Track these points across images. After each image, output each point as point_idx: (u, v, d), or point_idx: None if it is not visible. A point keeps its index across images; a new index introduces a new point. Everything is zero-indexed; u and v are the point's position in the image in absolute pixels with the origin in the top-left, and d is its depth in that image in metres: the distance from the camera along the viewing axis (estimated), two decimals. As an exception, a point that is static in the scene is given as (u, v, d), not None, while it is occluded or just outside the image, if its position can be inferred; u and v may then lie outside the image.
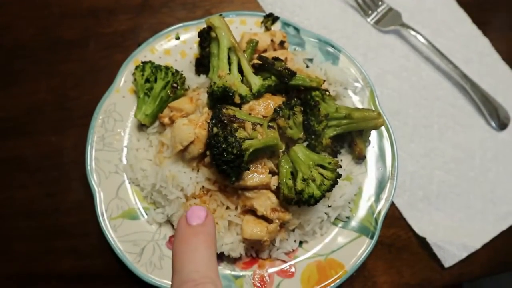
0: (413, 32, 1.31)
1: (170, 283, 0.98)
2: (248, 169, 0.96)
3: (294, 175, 0.98)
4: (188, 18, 1.30)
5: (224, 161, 0.91)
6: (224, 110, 0.95)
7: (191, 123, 0.99)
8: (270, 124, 0.98)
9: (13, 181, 1.16)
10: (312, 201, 0.95)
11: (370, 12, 1.34)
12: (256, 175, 0.98)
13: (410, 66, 1.31)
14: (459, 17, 1.39)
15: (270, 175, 1.00)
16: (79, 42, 1.28)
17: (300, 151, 0.98)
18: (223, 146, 0.90)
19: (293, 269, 1.04)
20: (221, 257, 1.05)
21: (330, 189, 0.97)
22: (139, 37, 1.28)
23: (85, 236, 1.12)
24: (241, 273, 1.03)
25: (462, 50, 1.34)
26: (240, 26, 1.21)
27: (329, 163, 0.98)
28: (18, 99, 1.22)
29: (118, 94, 1.13)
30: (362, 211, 1.09)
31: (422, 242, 1.15)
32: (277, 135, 0.97)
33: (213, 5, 1.32)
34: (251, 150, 0.93)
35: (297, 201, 0.96)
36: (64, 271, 1.10)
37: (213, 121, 0.93)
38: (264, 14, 1.22)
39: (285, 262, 1.05)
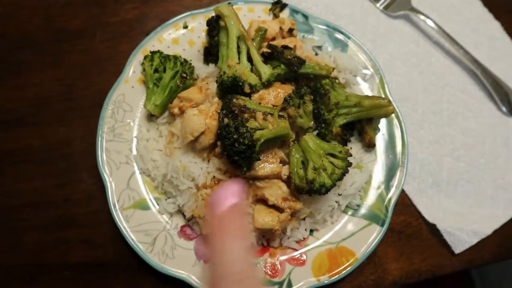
0: (422, 17, 1.29)
1: (183, 272, 1.01)
2: (259, 159, 0.96)
3: (305, 164, 0.98)
4: (195, 6, 1.29)
5: (235, 152, 0.91)
6: (234, 100, 0.95)
7: (201, 113, 0.99)
8: (280, 113, 0.97)
9: (21, 173, 1.16)
10: (323, 190, 0.95)
11: (379, -3, 1.33)
12: (267, 165, 0.98)
13: (420, 51, 1.30)
14: (469, 0, 1.37)
15: (281, 164, 1.00)
16: (84, 32, 1.27)
17: (310, 140, 0.98)
18: (235, 136, 0.90)
19: (304, 257, 1.05)
20: (233, 246, 1.05)
21: (341, 178, 0.97)
22: (146, 26, 1.26)
23: (95, 226, 1.12)
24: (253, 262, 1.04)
25: (472, 34, 1.33)
26: (248, 14, 1.19)
27: (340, 151, 0.98)
28: (24, 90, 1.22)
29: (127, 85, 1.12)
30: (372, 199, 1.10)
31: (432, 229, 1.15)
32: (287, 124, 0.97)
33: (219, -8, 1.31)
34: (262, 140, 0.92)
35: (308, 191, 0.96)
36: (75, 261, 1.10)
37: (224, 112, 0.93)
38: (272, 1, 1.21)
39: (296, 250, 1.05)
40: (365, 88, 1.17)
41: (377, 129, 1.13)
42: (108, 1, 1.29)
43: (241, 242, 0.61)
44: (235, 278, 0.57)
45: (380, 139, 1.14)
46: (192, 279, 1.01)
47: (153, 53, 1.11)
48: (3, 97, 1.21)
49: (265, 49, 1.05)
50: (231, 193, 0.62)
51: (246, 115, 0.93)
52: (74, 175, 1.15)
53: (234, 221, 0.61)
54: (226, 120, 0.92)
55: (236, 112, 0.92)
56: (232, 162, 0.93)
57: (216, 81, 1.06)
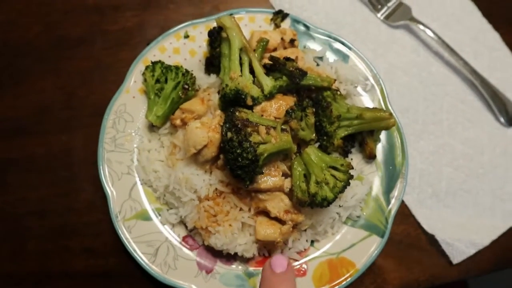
0: (422, 27, 1.29)
1: (185, 283, 1.01)
2: (262, 173, 0.97)
3: (307, 177, 0.99)
4: (196, 14, 1.28)
5: (239, 166, 0.91)
6: (237, 114, 0.95)
7: (204, 126, 0.99)
8: (283, 127, 0.98)
9: (24, 181, 1.16)
10: (325, 203, 0.96)
11: (379, 6, 1.33)
12: (269, 178, 0.99)
13: (420, 61, 1.31)
14: (468, 10, 1.37)
15: (283, 177, 1.00)
16: (85, 40, 1.26)
17: (312, 153, 0.99)
18: (238, 151, 0.90)
19: (305, 267, 1.06)
20: (234, 257, 1.06)
21: (342, 190, 0.98)
22: (146, 35, 1.26)
23: (98, 236, 1.13)
24: (254, 272, 1.05)
25: (471, 44, 1.34)
26: (249, 24, 1.19)
27: (342, 164, 0.99)
28: (25, 98, 1.21)
29: (128, 95, 1.12)
30: (372, 210, 1.11)
31: (431, 239, 1.16)
32: (290, 138, 0.97)
33: (220, 1, 1.30)
34: (265, 154, 0.93)
35: (310, 203, 0.97)
36: (78, 270, 1.11)
37: (227, 126, 0.93)
38: (273, 10, 1.20)
39: (297, 260, 1.06)
40: (366, 99, 1.17)
41: (377, 141, 1.13)
42: (108, 9, 1.28)
43: None
44: None
45: (381, 151, 1.14)
46: (194, 290, 1.02)
47: (154, 63, 1.11)
48: (6, 106, 1.20)
49: (267, 61, 1.05)
50: (283, 262, 0.79)
51: (249, 129, 0.94)
52: (76, 184, 1.16)
53: (284, 281, 0.77)
54: (229, 134, 0.92)
55: (239, 126, 0.93)
56: (236, 176, 0.94)
57: (218, 93, 1.06)
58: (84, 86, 1.22)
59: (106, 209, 1.06)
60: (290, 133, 0.99)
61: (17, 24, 1.26)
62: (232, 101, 1.00)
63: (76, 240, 1.13)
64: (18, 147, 1.18)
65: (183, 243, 1.06)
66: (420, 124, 1.25)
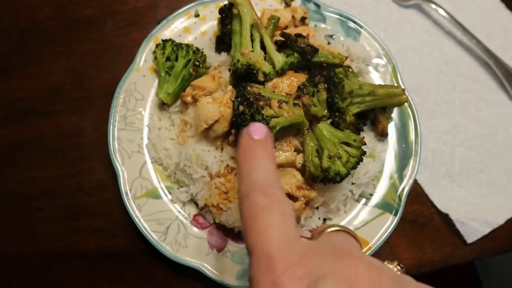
0: (434, 6, 1.28)
1: (196, 261, 1.00)
2: (275, 147, 0.96)
3: (319, 152, 0.98)
4: (206, -5, 1.27)
5: (251, 140, 0.90)
6: (249, 88, 0.95)
7: (216, 101, 0.98)
8: (295, 101, 0.97)
9: (35, 162, 1.16)
10: (338, 178, 0.95)
11: (390, -14, 1.32)
12: (281, 153, 0.98)
13: (432, 41, 1.29)
14: (481, -11, 1.36)
15: (295, 153, 0.99)
16: (95, 20, 1.26)
17: (325, 128, 0.98)
18: (250, 124, 0.89)
19: (317, 246, 1.04)
20: (246, 235, 1.05)
21: (355, 166, 0.97)
22: (157, 15, 1.26)
23: (108, 216, 1.12)
24: (266, 251, 1.04)
25: (484, 24, 1.32)
26: (259, 3, 1.19)
27: (354, 140, 0.98)
28: (35, 79, 1.21)
29: (139, 73, 1.11)
30: (385, 188, 1.09)
31: (445, 218, 1.15)
32: (302, 112, 0.96)
33: (230, -19, 1.29)
34: (278, 128, 0.92)
35: (323, 179, 0.96)
36: (88, 250, 1.10)
37: (239, 99, 0.92)
38: (284, -11, 1.20)
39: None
40: (377, 77, 1.16)
41: (390, 118, 1.12)
42: (119, -11, 1.29)
43: (269, 163, 0.63)
44: (263, 191, 0.58)
45: (393, 129, 1.13)
46: (205, 267, 1.01)
47: (165, 41, 1.10)
48: (16, 87, 1.20)
49: (278, 38, 1.05)
50: (262, 129, 0.65)
51: (261, 103, 0.93)
52: (86, 164, 1.15)
53: (264, 146, 0.64)
54: (241, 107, 0.91)
55: (251, 99, 0.92)
56: (247, 150, 0.93)
57: (229, 70, 1.05)
58: (95, 67, 1.22)
59: (116, 188, 1.05)
60: (302, 109, 0.98)
61: (27, 5, 1.27)
62: (243, 76, 1.00)
63: (86, 220, 1.12)
64: (28, 128, 1.18)
65: (193, 222, 1.05)
66: (432, 103, 1.23)
